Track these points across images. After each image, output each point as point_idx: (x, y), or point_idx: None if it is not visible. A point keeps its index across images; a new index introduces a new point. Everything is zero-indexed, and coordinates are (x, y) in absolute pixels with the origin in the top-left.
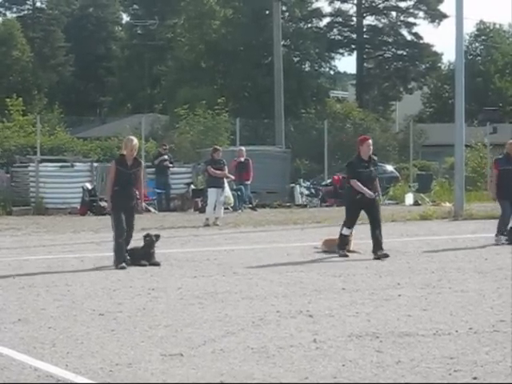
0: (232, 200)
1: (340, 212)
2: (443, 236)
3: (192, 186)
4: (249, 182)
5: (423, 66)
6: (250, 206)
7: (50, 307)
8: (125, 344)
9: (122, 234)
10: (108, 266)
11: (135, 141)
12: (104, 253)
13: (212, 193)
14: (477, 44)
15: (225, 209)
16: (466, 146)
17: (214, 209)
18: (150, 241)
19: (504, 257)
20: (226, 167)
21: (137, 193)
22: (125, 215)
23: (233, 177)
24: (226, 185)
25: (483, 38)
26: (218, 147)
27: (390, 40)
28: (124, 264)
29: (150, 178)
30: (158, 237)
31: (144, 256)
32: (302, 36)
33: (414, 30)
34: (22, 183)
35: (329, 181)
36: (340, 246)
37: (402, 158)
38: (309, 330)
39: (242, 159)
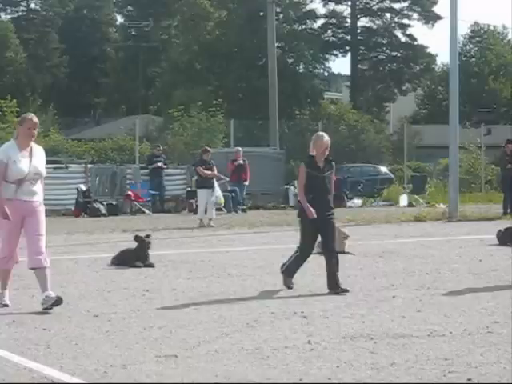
0: (223, 200)
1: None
2: (437, 237)
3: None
4: (247, 183)
5: (417, 68)
6: (243, 207)
7: None
8: (119, 345)
9: (305, 257)
10: (103, 266)
11: (326, 137)
12: (98, 254)
13: (202, 193)
14: (471, 45)
15: (218, 210)
16: (460, 147)
17: (206, 210)
18: (144, 243)
19: (498, 258)
20: (215, 168)
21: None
22: (320, 226)
23: (227, 178)
24: (216, 185)
25: (477, 39)
26: (207, 148)
27: (384, 41)
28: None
29: (144, 179)
30: (148, 236)
31: (138, 257)
32: (296, 37)
33: (408, 32)
34: None
35: None
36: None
37: (396, 159)
38: (303, 331)
39: (241, 161)
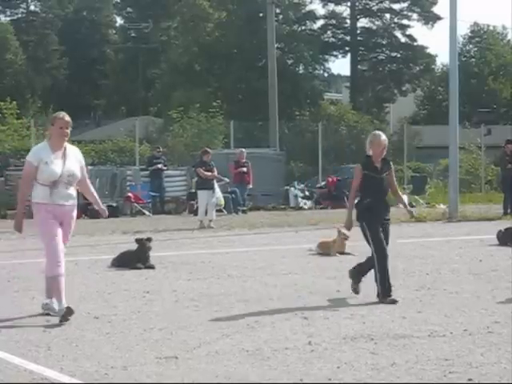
0: (223, 202)
1: (334, 214)
2: (437, 238)
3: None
4: (250, 186)
5: (417, 68)
6: (244, 208)
7: None
8: (120, 347)
9: (385, 256)
10: (104, 268)
11: (383, 136)
12: (98, 256)
13: (202, 195)
14: (471, 46)
15: (218, 211)
16: (460, 147)
17: (206, 211)
18: (143, 243)
19: (498, 258)
20: (215, 169)
21: None
22: (383, 232)
23: (227, 179)
24: (217, 186)
25: (477, 39)
26: (207, 149)
27: (383, 42)
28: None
29: (144, 181)
30: (149, 240)
31: (139, 259)
32: (295, 38)
33: (407, 32)
34: (17, 187)
35: (323, 183)
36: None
37: (396, 160)
38: (304, 332)
39: (244, 169)
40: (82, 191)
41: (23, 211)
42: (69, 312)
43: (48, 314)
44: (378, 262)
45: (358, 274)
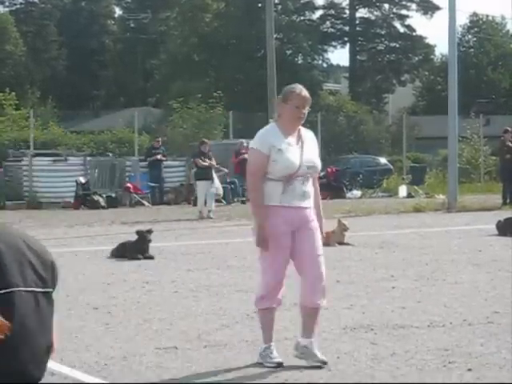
0: (221, 191)
1: (334, 204)
2: (437, 228)
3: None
4: None
5: (416, 59)
6: (243, 199)
7: None
8: (119, 337)
9: None
10: (103, 259)
11: None
12: (98, 246)
13: (201, 185)
14: (470, 36)
15: (217, 201)
16: (460, 137)
17: (206, 201)
18: (144, 235)
19: (498, 248)
20: (213, 160)
21: None
22: None
23: (226, 170)
24: (215, 177)
25: (476, 29)
26: (205, 140)
27: (382, 32)
28: None
29: (143, 171)
30: (150, 232)
31: (138, 250)
32: (294, 29)
33: (406, 23)
34: (16, 177)
35: (322, 173)
36: None
37: (395, 150)
38: None
39: (246, 155)
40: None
41: (266, 221)
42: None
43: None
44: None
45: None
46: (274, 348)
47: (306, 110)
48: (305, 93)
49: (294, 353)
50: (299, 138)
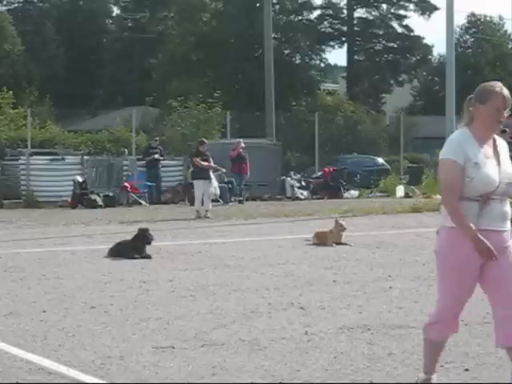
0: (218, 191)
1: (331, 204)
2: (434, 228)
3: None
4: (247, 176)
5: (414, 59)
6: (240, 198)
7: (42, 300)
8: (116, 337)
9: None
10: (100, 258)
11: None
12: (95, 245)
13: (198, 185)
14: (467, 36)
15: (215, 201)
16: None
17: (203, 201)
18: (144, 234)
19: None
20: (211, 160)
21: None
22: None
23: (223, 169)
24: (213, 176)
25: (474, 30)
26: (204, 140)
27: (380, 32)
28: None
29: (141, 170)
30: (146, 231)
31: (135, 249)
32: (292, 28)
33: (404, 23)
34: (13, 176)
35: (319, 173)
36: None
37: (392, 150)
38: (300, 322)
39: (242, 152)
40: None
41: (478, 237)
42: None
43: None
44: None
45: None
46: (434, 379)
47: (507, 114)
48: (506, 92)
49: None
50: (495, 147)
